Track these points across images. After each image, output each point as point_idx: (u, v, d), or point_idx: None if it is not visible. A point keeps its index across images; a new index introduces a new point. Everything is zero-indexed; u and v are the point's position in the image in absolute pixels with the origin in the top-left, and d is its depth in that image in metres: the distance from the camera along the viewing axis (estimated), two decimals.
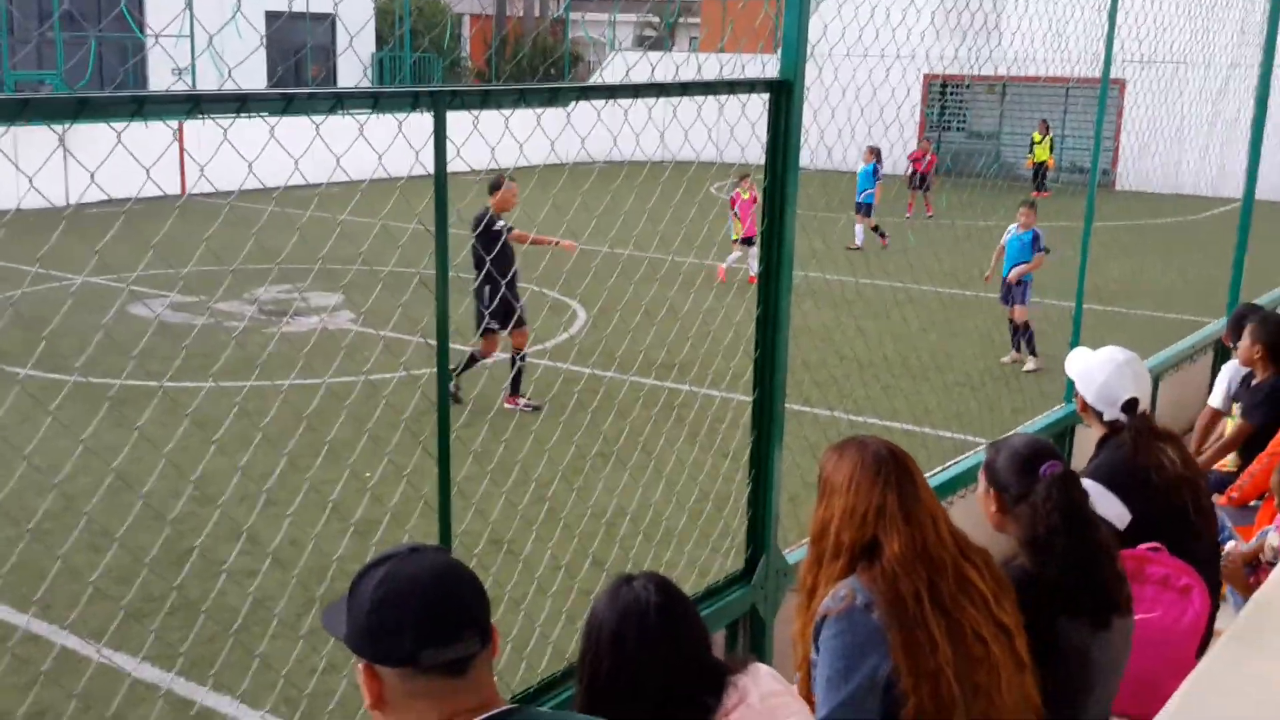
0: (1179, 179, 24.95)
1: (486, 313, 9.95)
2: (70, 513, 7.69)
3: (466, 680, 2.00)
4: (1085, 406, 4.44)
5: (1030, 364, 12.56)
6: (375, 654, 2.00)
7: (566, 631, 2.73)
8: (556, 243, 10.12)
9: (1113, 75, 6.75)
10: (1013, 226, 12.92)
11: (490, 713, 2.00)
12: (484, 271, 9.71)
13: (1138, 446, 4.11)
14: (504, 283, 9.93)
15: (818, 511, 2.99)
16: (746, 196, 16.17)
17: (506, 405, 10.46)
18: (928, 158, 23.99)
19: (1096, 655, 3.16)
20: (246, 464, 7.93)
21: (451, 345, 3.17)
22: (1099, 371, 4.37)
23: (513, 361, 10.56)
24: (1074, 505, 3.21)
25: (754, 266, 16.25)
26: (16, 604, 6.73)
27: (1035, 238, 12.74)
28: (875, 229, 19.95)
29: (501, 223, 9.97)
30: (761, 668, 2.73)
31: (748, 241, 16.01)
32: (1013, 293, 12.72)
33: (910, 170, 23.90)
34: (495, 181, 10.31)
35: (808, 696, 2.90)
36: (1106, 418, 4.34)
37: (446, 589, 2.01)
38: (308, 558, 6.76)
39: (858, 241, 19.87)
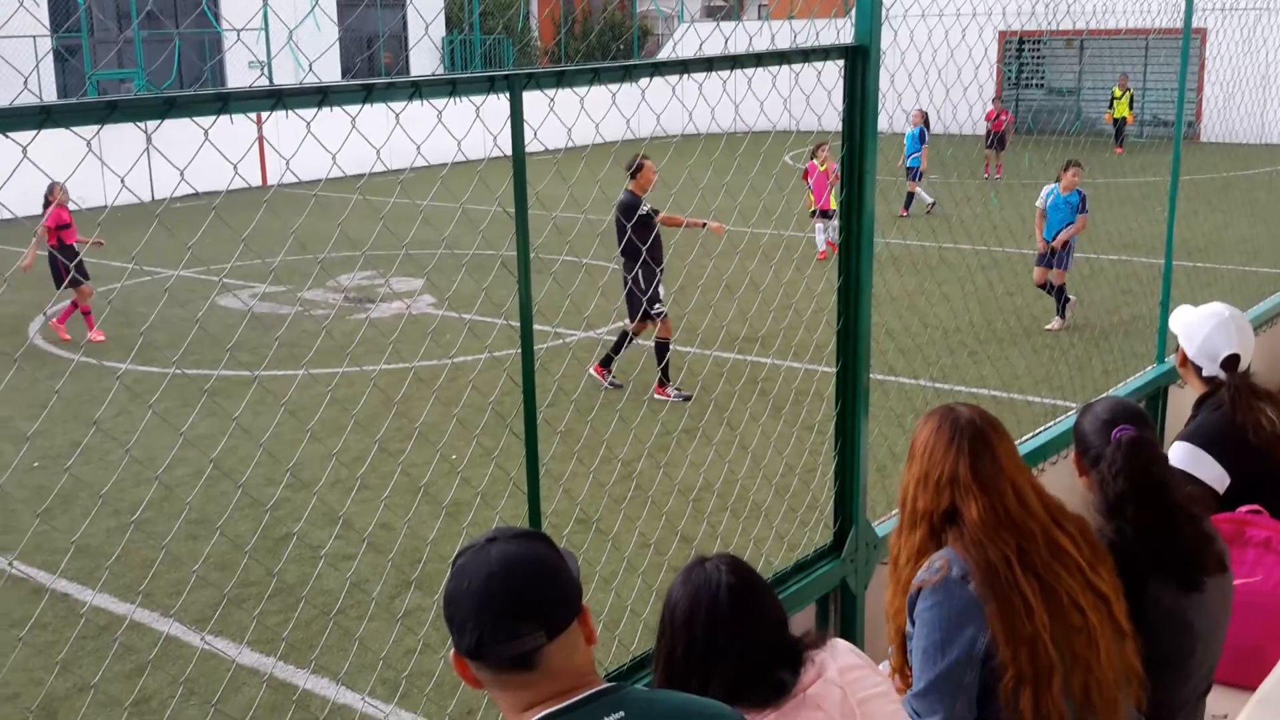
0: (1265, 129, 24.38)
1: (660, 294, 9.96)
2: (170, 502, 7.87)
3: (537, 673, 1.97)
4: (1185, 361, 4.35)
5: (1055, 323, 12.34)
6: (454, 643, 2.03)
7: (657, 609, 2.74)
8: (704, 225, 9.89)
9: (1194, 25, 6.57)
10: (1052, 186, 12.57)
11: (584, 694, 1.98)
12: (640, 259, 9.68)
13: (1235, 406, 4.02)
14: (659, 268, 9.93)
15: (903, 479, 2.99)
16: (823, 169, 15.94)
17: (592, 372, 10.45)
18: (1002, 117, 23.74)
19: (1192, 618, 3.10)
20: (339, 450, 8.07)
21: (536, 327, 3.18)
22: (1201, 325, 4.28)
23: (622, 338, 10.48)
24: (1140, 470, 3.13)
25: (824, 239, 16.11)
26: (120, 593, 6.91)
27: (1082, 199, 12.42)
28: (910, 195, 19.77)
29: (647, 206, 9.87)
30: (840, 642, 2.72)
31: (825, 214, 15.80)
32: (1057, 255, 12.41)
33: (988, 130, 23.65)
34: (633, 164, 10.00)
35: (903, 670, 2.88)
36: (1205, 373, 4.25)
37: (507, 584, 1.97)
38: (401, 540, 6.86)
39: (928, 200, 19.67)
